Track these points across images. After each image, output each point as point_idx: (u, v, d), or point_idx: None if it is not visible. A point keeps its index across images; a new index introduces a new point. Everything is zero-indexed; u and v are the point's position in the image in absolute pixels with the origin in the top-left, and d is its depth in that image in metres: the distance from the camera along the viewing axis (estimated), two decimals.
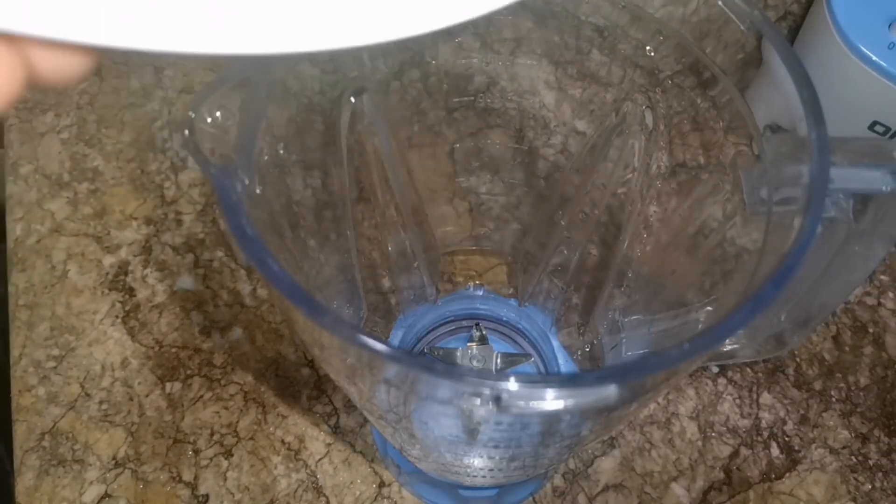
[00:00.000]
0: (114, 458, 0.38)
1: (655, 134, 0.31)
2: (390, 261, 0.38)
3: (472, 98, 0.34)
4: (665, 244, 0.33)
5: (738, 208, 0.27)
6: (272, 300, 0.42)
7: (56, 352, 0.41)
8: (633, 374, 0.19)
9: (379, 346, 0.18)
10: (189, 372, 0.40)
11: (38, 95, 0.49)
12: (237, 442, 0.39)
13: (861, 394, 0.41)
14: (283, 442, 0.39)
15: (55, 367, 0.40)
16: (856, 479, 0.39)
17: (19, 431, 0.39)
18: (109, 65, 0.51)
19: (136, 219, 0.45)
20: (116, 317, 0.42)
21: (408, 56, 0.32)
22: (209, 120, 0.22)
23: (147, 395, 0.40)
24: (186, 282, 0.43)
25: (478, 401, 0.18)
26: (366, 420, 0.39)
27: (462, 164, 0.38)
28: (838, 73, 0.40)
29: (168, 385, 0.40)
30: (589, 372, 0.35)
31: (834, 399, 0.41)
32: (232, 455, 0.38)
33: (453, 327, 0.41)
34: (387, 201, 0.35)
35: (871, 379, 0.41)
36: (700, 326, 0.30)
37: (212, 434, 0.39)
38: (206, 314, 0.42)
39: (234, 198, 0.20)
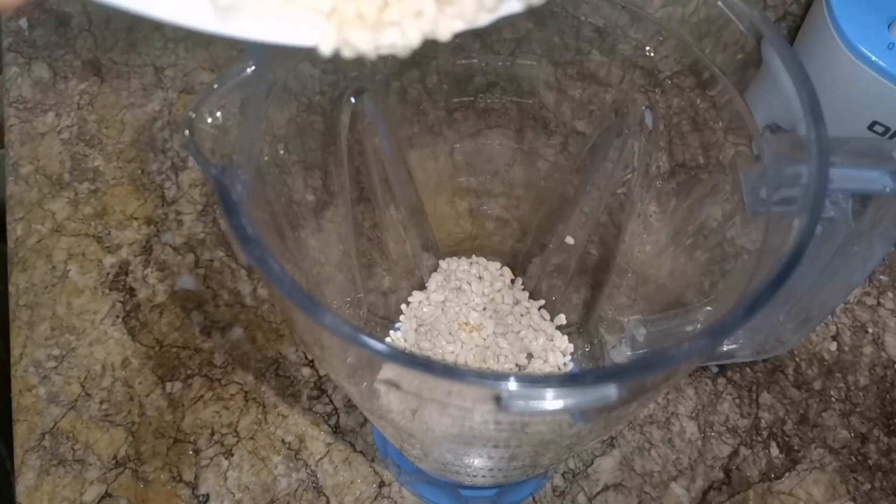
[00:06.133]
0: (114, 457, 0.38)
1: (655, 134, 0.31)
2: (390, 261, 0.38)
3: (473, 98, 0.34)
4: (664, 244, 0.33)
5: (737, 208, 0.27)
6: (272, 300, 0.42)
7: (57, 351, 0.41)
8: (632, 373, 0.19)
9: (379, 346, 0.18)
10: (189, 372, 0.40)
11: (39, 95, 0.49)
12: (237, 441, 0.39)
13: (860, 393, 0.41)
14: (283, 441, 0.39)
15: (56, 367, 0.40)
16: (855, 478, 0.39)
17: (20, 431, 0.39)
18: (109, 65, 0.51)
19: (136, 219, 0.45)
20: (117, 317, 0.42)
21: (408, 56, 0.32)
22: (209, 120, 0.22)
23: (147, 395, 0.40)
24: (187, 282, 0.43)
25: (479, 401, 0.18)
26: (366, 420, 0.39)
27: (462, 164, 0.38)
28: (838, 73, 0.40)
29: (168, 385, 0.40)
30: (589, 372, 0.35)
31: (833, 399, 0.41)
32: (232, 455, 0.38)
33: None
34: (387, 201, 0.35)
35: (871, 379, 0.41)
36: (699, 326, 0.30)
37: (212, 434, 0.39)
38: (206, 314, 0.42)
39: (234, 198, 0.20)
